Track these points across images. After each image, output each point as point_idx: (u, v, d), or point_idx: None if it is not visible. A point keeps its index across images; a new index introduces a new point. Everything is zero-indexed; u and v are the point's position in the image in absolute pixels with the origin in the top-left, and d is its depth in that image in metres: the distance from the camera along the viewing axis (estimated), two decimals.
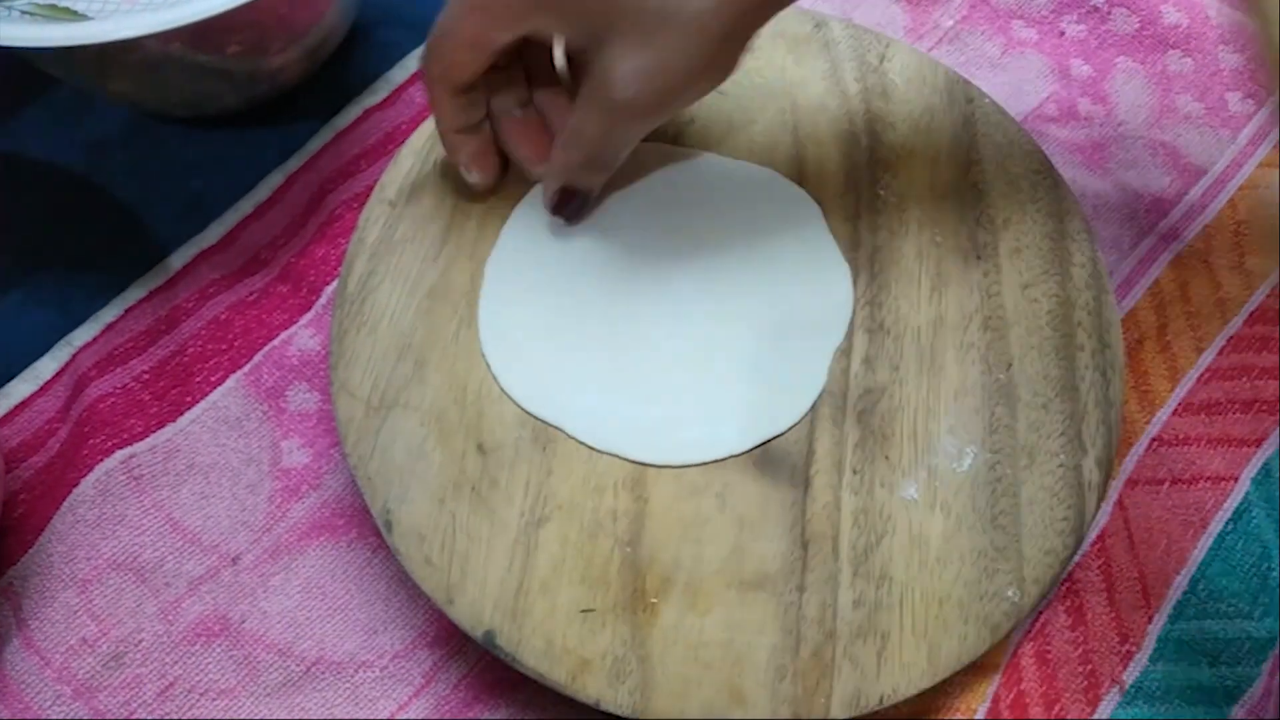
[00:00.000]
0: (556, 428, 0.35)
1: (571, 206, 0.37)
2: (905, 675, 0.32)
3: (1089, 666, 0.36)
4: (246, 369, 0.39)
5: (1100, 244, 0.43)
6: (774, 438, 0.35)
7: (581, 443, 0.35)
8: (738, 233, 0.39)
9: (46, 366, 0.39)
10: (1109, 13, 0.49)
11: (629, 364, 0.36)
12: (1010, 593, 0.33)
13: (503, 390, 0.35)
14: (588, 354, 0.36)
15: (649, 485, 0.34)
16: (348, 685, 0.35)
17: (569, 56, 0.35)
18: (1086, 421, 0.36)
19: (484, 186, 0.37)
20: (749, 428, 0.35)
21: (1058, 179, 0.40)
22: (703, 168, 0.40)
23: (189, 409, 0.39)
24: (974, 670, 0.35)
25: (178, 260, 0.41)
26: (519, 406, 0.35)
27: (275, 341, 0.40)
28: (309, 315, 0.41)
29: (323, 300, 0.41)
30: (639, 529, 0.33)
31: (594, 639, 0.32)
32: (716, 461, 0.35)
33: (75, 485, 0.37)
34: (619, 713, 0.31)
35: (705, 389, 0.36)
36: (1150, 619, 0.37)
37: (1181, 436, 0.40)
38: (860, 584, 0.33)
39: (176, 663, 0.35)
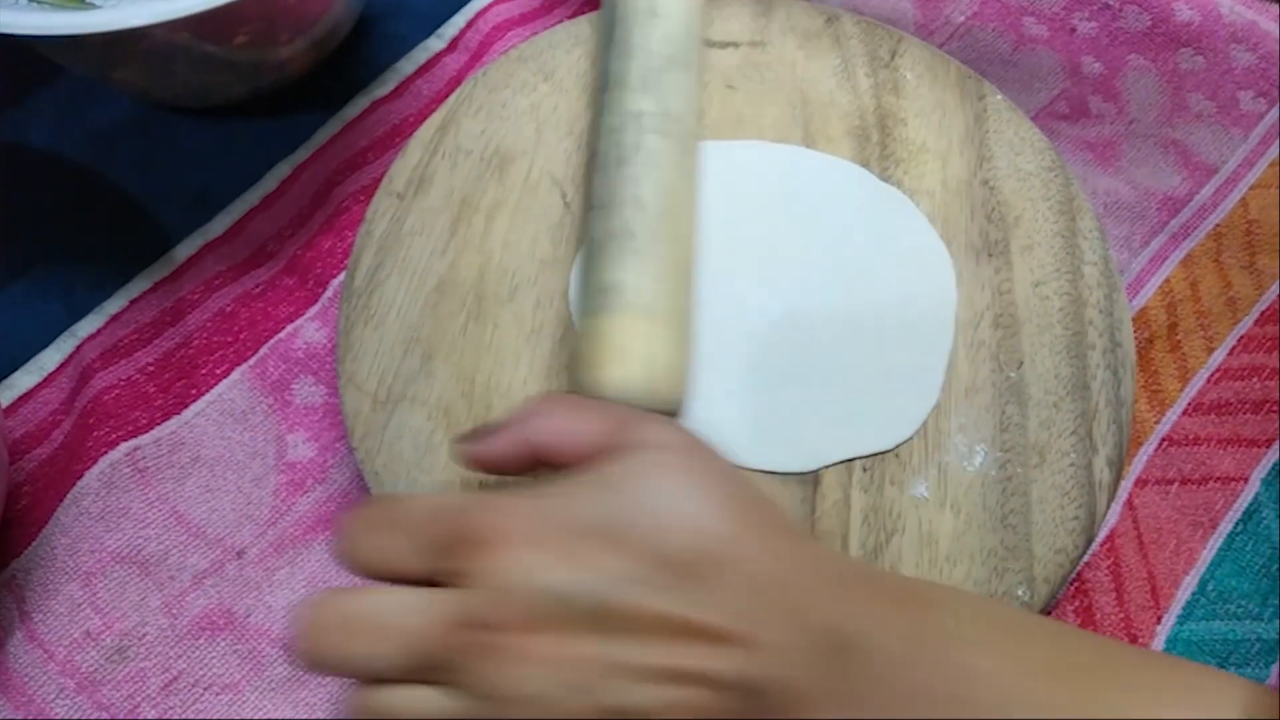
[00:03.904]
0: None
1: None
2: None
3: None
4: (252, 362, 0.39)
5: (1111, 242, 0.43)
6: (884, 451, 0.35)
7: None
8: (838, 231, 0.39)
9: (51, 358, 0.39)
10: (1120, 10, 0.48)
11: (731, 365, 0.36)
12: (1020, 591, 0.33)
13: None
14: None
15: None
16: (352, 681, 0.34)
17: None
18: (1097, 420, 0.35)
19: None
20: (855, 437, 0.35)
21: (1069, 176, 0.40)
22: (789, 161, 0.40)
23: (194, 401, 0.38)
24: None
25: (183, 252, 0.41)
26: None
27: (281, 334, 0.40)
28: (315, 308, 0.40)
29: (329, 293, 0.41)
30: None
31: None
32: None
33: (79, 477, 0.37)
34: None
35: (813, 393, 0.35)
36: (1159, 619, 0.36)
37: (1192, 436, 0.40)
38: None
39: (181, 656, 0.34)
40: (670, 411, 0.31)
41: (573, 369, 0.32)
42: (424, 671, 0.24)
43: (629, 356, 0.31)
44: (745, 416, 0.35)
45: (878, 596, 0.25)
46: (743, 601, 0.24)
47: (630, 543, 0.24)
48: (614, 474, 0.25)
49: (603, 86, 0.37)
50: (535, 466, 0.27)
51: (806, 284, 0.37)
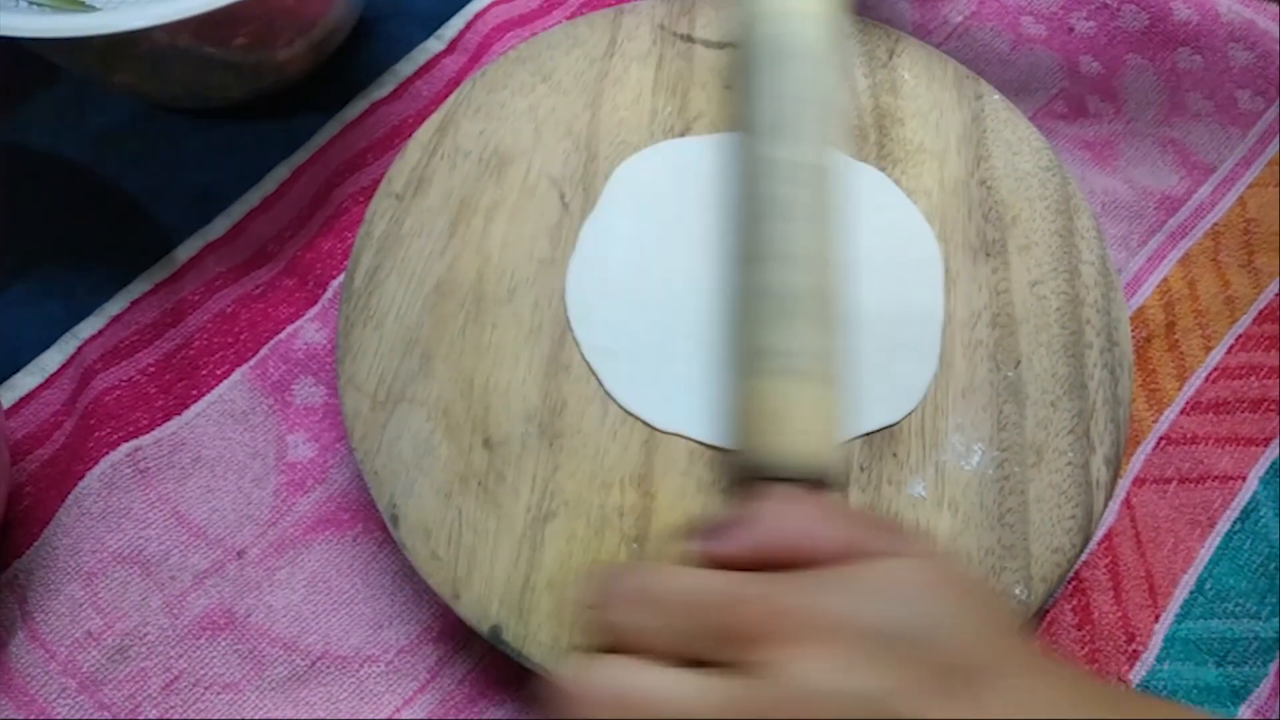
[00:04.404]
0: (675, 434, 0.35)
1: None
2: None
3: (1095, 665, 0.36)
4: (252, 362, 0.39)
5: (1109, 241, 0.43)
6: (887, 426, 0.35)
7: (691, 439, 0.35)
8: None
9: (52, 359, 0.39)
10: (1118, 9, 0.48)
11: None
12: (1018, 590, 0.33)
13: (608, 394, 0.35)
14: (681, 350, 0.36)
15: (655, 481, 0.34)
16: (353, 680, 0.35)
17: None
18: (1095, 419, 0.35)
19: None
20: (861, 414, 0.35)
21: (1066, 176, 0.40)
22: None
23: (195, 402, 0.38)
24: None
25: (184, 253, 0.41)
26: (637, 416, 0.35)
27: (281, 335, 0.40)
28: (315, 309, 0.40)
29: (329, 294, 0.41)
30: (646, 525, 0.33)
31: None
32: (725, 457, 0.34)
33: (81, 478, 0.37)
34: None
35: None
36: (1157, 618, 0.37)
37: (1189, 435, 0.40)
38: None
39: (181, 656, 0.35)
40: (835, 476, 0.31)
41: (737, 430, 0.32)
42: None
43: (804, 427, 0.30)
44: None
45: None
46: (1011, 713, 0.23)
47: (915, 652, 0.24)
48: (882, 581, 0.25)
49: (737, 130, 0.37)
50: (763, 567, 0.26)
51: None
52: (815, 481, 0.30)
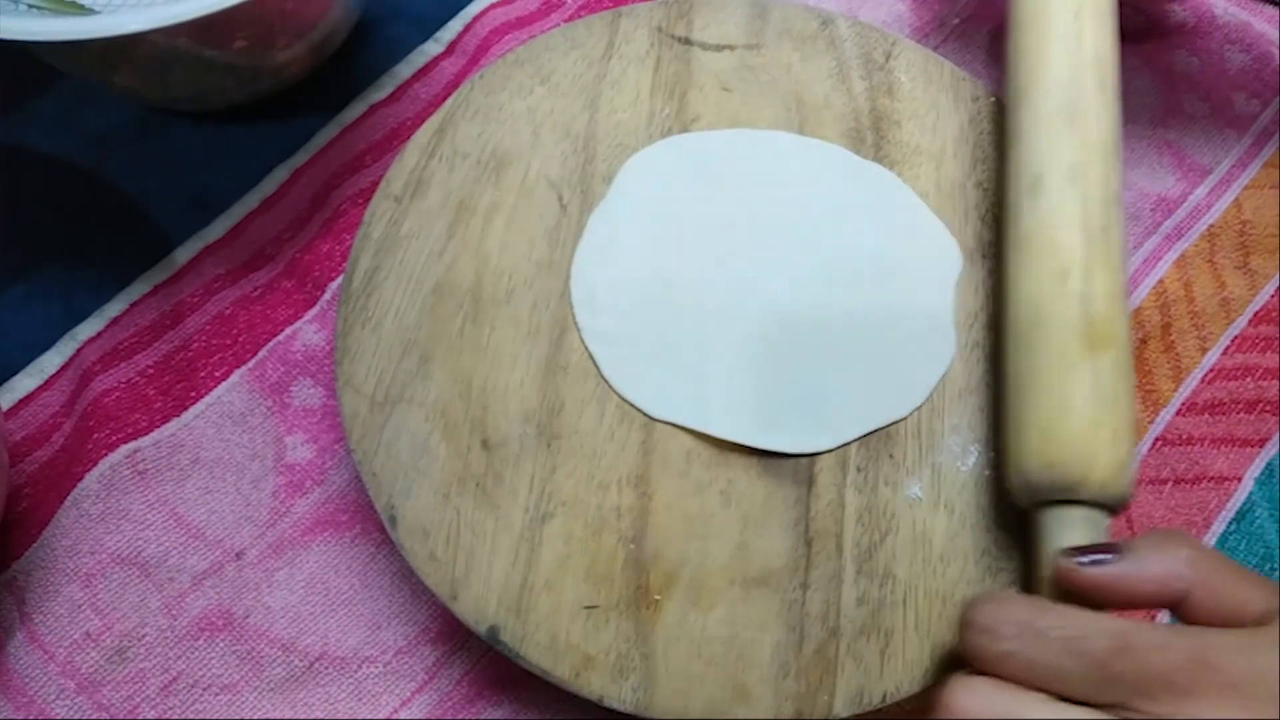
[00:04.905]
0: (681, 426, 0.35)
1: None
2: (909, 673, 0.32)
3: None
4: (251, 364, 0.39)
5: None
6: (890, 424, 0.35)
7: (686, 429, 0.35)
8: (829, 210, 0.39)
9: (51, 361, 0.39)
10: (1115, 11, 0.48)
11: (735, 351, 0.36)
12: (1014, 591, 0.33)
13: (610, 386, 0.35)
14: (681, 340, 0.36)
15: (653, 482, 0.34)
16: (351, 680, 0.35)
17: None
18: None
19: None
20: (871, 410, 0.35)
21: None
22: (774, 145, 0.40)
23: (193, 404, 0.39)
24: None
25: (183, 255, 0.41)
26: (637, 409, 0.35)
27: (280, 337, 0.40)
28: (314, 311, 0.41)
29: (327, 296, 0.41)
30: (643, 526, 0.33)
31: (598, 635, 0.32)
32: (722, 458, 0.35)
33: (80, 479, 0.37)
34: (622, 709, 0.31)
35: (821, 375, 0.36)
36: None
37: (1185, 436, 0.40)
38: (864, 582, 0.33)
39: (180, 657, 0.35)
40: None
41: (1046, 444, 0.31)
42: None
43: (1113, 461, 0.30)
44: (760, 401, 0.35)
45: None
46: None
47: None
48: None
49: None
50: (1150, 603, 0.26)
51: (808, 266, 0.38)
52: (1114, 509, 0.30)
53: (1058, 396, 0.31)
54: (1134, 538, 0.27)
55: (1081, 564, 0.27)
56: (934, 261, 0.38)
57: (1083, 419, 0.30)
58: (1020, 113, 0.36)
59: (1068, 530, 0.29)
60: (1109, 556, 0.27)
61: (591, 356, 0.36)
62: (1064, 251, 0.33)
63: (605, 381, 0.35)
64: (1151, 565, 0.26)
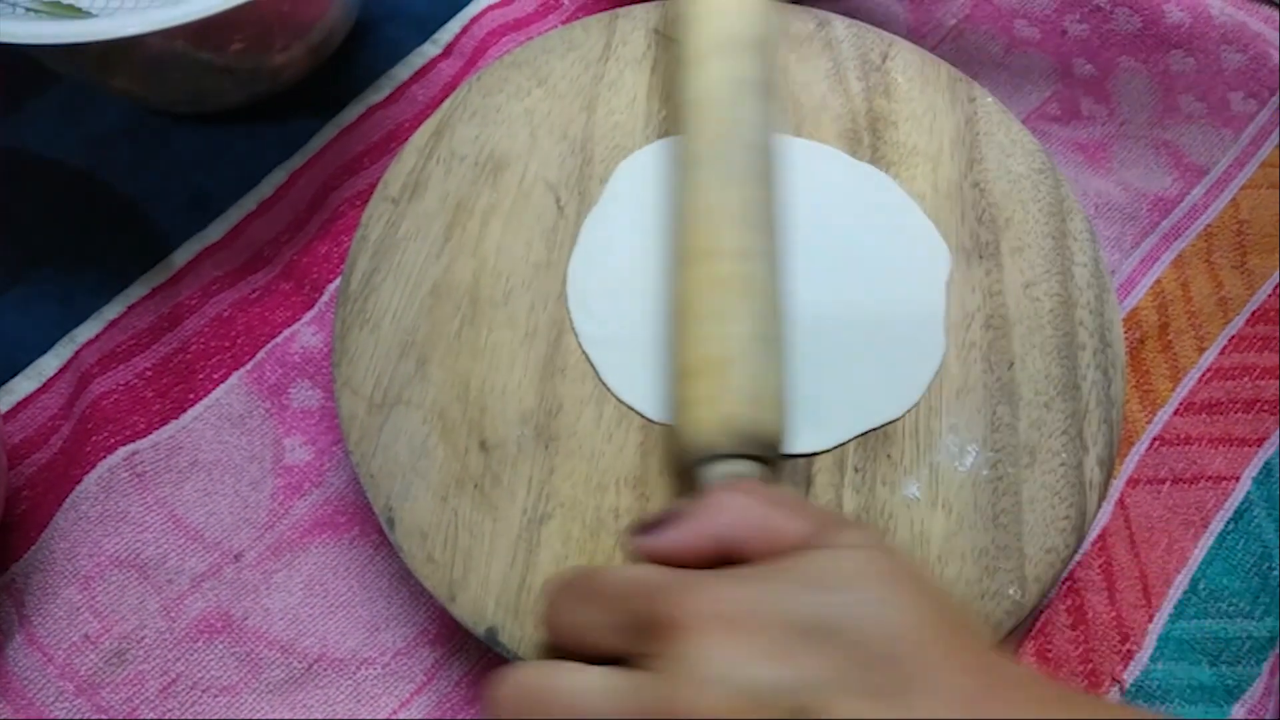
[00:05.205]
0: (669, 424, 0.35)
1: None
2: None
3: (1089, 665, 0.36)
4: (249, 366, 0.39)
5: (1102, 243, 0.43)
6: (886, 424, 0.35)
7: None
8: (819, 211, 0.39)
9: (49, 363, 0.39)
10: (1111, 12, 0.49)
11: None
12: (1011, 591, 0.33)
13: (609, 390, 0.35)
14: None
15: (651, 484, 0.34)
16: (349, 682, 0.35)
17: None
18: (1088, 420, 0.36)
19: None
20: (866, 411, 0.35)
21: (1060, 178, 0.40)
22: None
23: (192, 406, 0.39)
24: None
25: (181, 257, 0.41)
26: (636, 412, 0.35)
27: (278, 339, 0.40)
28: (312, 312, 0.41)
29: (325, 297, 0.41)
30: None
31: None
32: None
33: (78, 482, 0.37)
34: None
35: (816, 376, 0.36)
36: (1151, 618, 0.37)
37: (1183, 436, 0.40)
38: None
39: (179, 659, 0.35)
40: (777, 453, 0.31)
41: (676, 409, 0.32)
42: None
43: (743, 400, 0.31)
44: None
45: None
46: (939, 714, 0.22)
47: (836, 644, 0.22)
48: (818, 571, 0.24)
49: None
50: (716, 560, 0.26)
51: (801, 267, 0.38)
52: (763, 460, 0.30)
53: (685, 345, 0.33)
54: (693, 500, 0.27)
55: (639, 539, 0.27)
56: (925, 262, 0.38)
57: (710, 370, 0.31)
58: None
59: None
60: (661, 527, 0.26)
61: (589, 359, 0.36)
62: None
63: (603, 384, 0.35)
64: (700, 525, 0.26)
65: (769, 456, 0.31)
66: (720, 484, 0.29)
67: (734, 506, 0.26)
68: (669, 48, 0.37)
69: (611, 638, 0.24)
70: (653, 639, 0.23)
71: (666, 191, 0.39)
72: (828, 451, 0.35)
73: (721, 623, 0.23)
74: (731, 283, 0.33)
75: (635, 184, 0.39)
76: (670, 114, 0.40)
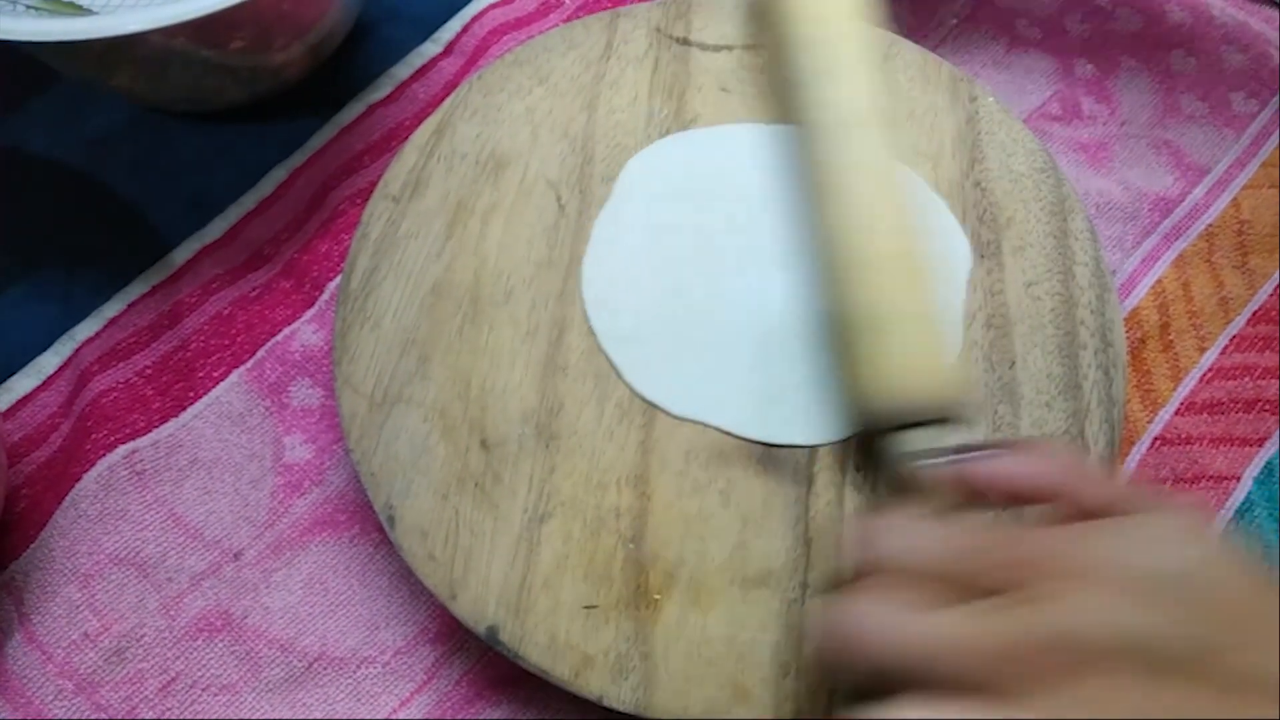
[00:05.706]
0: (692, 420, 0.35)
1: None
2: None
3: None
4: (249, 364, 0.39)
5: (1103, 243, 0.43)
6: None
7: (708, 425, 0.35)
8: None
9: (49, 361, 0.39)
10: (1113, 12, 0.49)
11: (739, 343, 0.36)
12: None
13: (632, 388, 0.36)
14: (698, 338, 0.37)
15: (652, 482, 0.34)
16: (349, 681, 0.35)
17: None
18: (1089, 420, 0.36)
19: None
20: None
21: (1061, 177, 0.40)
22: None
23: (192, 404, 0.39)
24: None
25: (180, 255, 0.41)
26: (660, 409, 0.35)
27: (278, 337, 0.40)
28: (312, 311, 0.41)
29: (326, 296, 0.41)
30: (642, 526, 0.33)
31: (597, 635, 0.32)
32: (721, 457, 0.35)
33: (78, 480, 0.37)
34: (622, 709, 0.31)
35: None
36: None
37: (1184, 435, 0.40)
38: None
39: (178, 658, 0.35)
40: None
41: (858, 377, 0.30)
42: (960, 686, 0.23)
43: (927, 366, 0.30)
44: (761, 395, 0.35)
45: None
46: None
47: (1193, 599, 0.24)
48: (1158, 530, 0.25)
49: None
50: (1014, 502, 0.27)
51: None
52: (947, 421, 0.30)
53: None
54: (1013, 447, 0.28)
55: (963, 460, 0.28)
56: (945, 257, 0.38)
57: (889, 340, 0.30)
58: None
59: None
60: (996, 455, 0.28)
61: (609, 358, 0.36)
62: None
63: (625, 382, 0.35)
64: (1039, 463, 0.27)
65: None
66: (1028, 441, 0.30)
67: (1067, 457, 0.28)
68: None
69: (954, 566, 0.25)
70: (1023, 580, 0.24)
71: (679, 186, 0.39)
72: (832, 444, 0.35)
73: (1088, 574, 0.24)
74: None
75: (646, 181, 0.39)
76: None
